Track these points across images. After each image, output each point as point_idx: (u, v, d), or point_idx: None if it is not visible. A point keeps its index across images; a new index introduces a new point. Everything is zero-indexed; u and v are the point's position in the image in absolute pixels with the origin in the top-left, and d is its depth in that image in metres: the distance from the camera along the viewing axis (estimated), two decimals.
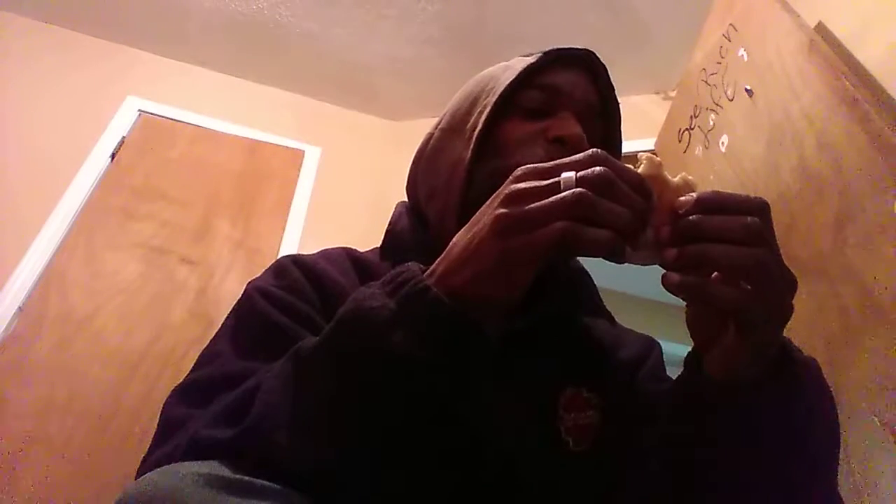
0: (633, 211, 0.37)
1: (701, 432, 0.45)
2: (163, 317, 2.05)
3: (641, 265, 0.41)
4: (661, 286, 0.39)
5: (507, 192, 0.39)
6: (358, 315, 0.39)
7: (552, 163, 0.39)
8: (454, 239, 0.42)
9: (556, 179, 0.38)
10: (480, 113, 0.62)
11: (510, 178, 0.40)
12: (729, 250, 0.37)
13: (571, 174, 0.37)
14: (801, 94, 0.91)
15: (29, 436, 1.74)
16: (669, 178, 0.41)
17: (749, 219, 0.38)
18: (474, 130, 0.61)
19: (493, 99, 0.61)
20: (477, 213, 0.41)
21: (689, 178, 0.41)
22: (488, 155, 0.60)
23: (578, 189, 0.36)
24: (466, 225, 0.42)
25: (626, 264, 0.41)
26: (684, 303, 0.45)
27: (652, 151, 1.56)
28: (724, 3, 1.28)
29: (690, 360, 0.48)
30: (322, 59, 2.50)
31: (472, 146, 0.60)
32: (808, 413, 0.42)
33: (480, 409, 0.48)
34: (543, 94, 0.62)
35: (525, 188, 0.38)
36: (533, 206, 0.37)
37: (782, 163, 0.93)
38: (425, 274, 0.41)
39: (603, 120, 0.66)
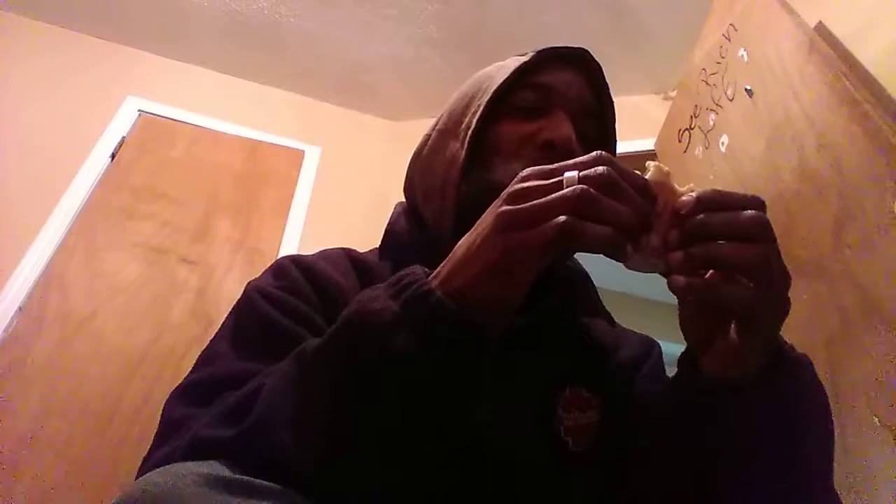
0: (635, 210, 0.37)
1: (700, 431, 0.45)
2: (163, 317, 2.05)
3: (648, 272, 0.41)
4: (660, 286, 0.39)
5: (510, 191, 0.39)
6: (362, 317, 0.39)
7: (556, 164, 0.39)
8: (459, 241, 0.42)
9: (559, 179, 0.38)
10: (474, 113, 0.62)
11: (516, 178, 0.40)
12: (738, 248, 0.37)
13: (574, 173, 0.38)
14: (801, 94, 0.91)
15: (29, 436, 1.74)
16: (677, 187, 0.41)
17: (755, 212, 0.38)
18: (468, 131, 0.61)
19: (487, 98, 0.61)
20: (483, 215, 0.41)
21: (698, 189, 0.41)
22: (481, 156, 0.60)
23: (580, 186, 0.36)
24: (472, 228, 0.42)
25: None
26: None
27: (652, 152, 1.56)
28: (724, 3, 1.28)
29: (685, 359, 0.48)
30: (322, 59, 2.50)
31: (465, 147, 0.60)
32: (806, 408, 0.43)
33: (480, 409, 0.48)
34: (537, 94, 0.62)
35: (528, 187, 0.39)
36: (534, 202, 0.37)
37: (782, 163, 0.93)
38: (430, 277, 0.41)
39: (598, 119, 0.66)
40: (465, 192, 0.59)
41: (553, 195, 0.37)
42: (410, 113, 2.75)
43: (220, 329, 0.55)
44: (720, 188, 0.40)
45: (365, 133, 2.78)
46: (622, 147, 0.70)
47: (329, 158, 2.61)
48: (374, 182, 2.56)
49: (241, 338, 0.53)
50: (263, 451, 0.39)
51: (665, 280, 0.40)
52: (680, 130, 1.35)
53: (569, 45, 0.65)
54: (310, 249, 0.66)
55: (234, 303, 0.58)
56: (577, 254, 0.48)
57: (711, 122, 1.19)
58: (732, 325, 0.42)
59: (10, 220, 2.06)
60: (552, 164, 0.40)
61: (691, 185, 0.41)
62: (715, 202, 0.39)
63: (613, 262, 0.38)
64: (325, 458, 0.39)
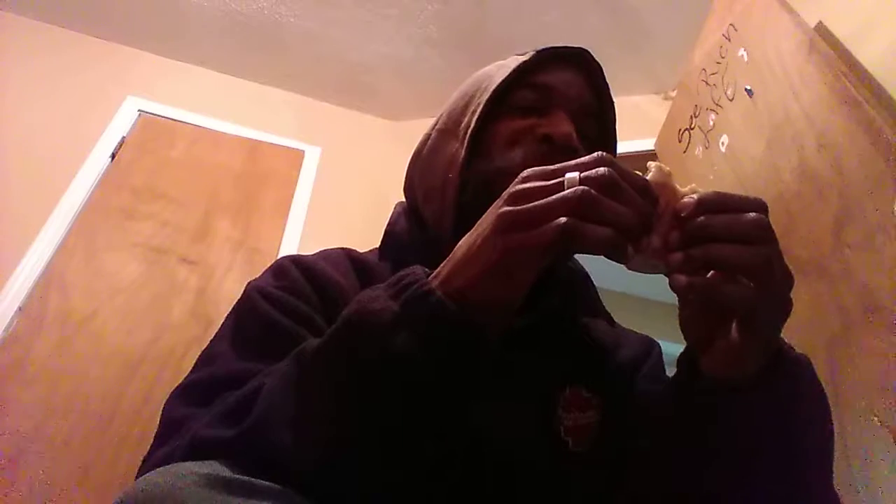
0: (636, 212, 0.37)
1: (700, 431, 0.45)
2: (163, 317, 2.05)
3: (649, 273, 0.41)
4: (660, 286, 0.39)
5: (511, 191, 0.39)
6: (361, 317, 0.39)
7: (557, 165, 0.39)
8: (460, 242, 0.42)
9: (560, 179, 0.38)
10: (473, 112, 0.62)
11: (517, 179, 0.40)
12: (738, 250, 0.37)
13: (575, 174, 0.37)
14: (801, 94, 0.91)
15: (29, 436, 1.74)
16: (678, 187, 0.41)
17: (756, 214, 0.38)
18: (467, 130, 0.61)
19: (486, 98, 0.61)
20: (483, 215, 0.41)
21: (699, 189, 0.41)
22: (480, 154, 0.60)
23: (581, 187, 0.36)
24: (473, 228, 0.42)
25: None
26: None
27: (652, 152, 1.56)
28: (724, 3, 1.28)
29: (685, 359, 0.48)
30: (322, 59, 2.50)
31: (465, 146, 0.60)
32: (806, 408, 0.43)
33: (480, 410, 0.48)
34: (536, 93, 0.62)
35: (529, 188, 0.39)
36: (535, 203, 0.37)
37: (782, 163, 0.93)
38: (430, 277, 0.41)
39: (598, 119, 0.66)
40: (465, 185, 0.59)
41: (554, 196, 0.37)
42: (410, 113, 2.75)
43: (220, 329, 0.55)
44: (720, 188, 0.40)
45: (365, 133, 2.78)
46: (622, 147, 0.70)
47: (329, 158, 2.61)
48: (374, 182, 2.55)
49: (241, 338, 0.53)
50: (263, 451, 0.39)
51: (665, 280, 0.40)
52: (680, 130, 1.35)
53: (569, 45, 0.65)
54: (310, 249, 0.66)
55: (235, 303, 0.58)
56: (578, 254, 0.48)
57: (711, 122, 1.19)
58: (733, 325, 0.42)
59: (10, 220, 2.06)
60: (551, 158, 0.40)
61: (693, 185, 0.41)
62: (716, 204, 0.39)
63: (614, 262, 0.38)
64: (325, 458, 0.39)
